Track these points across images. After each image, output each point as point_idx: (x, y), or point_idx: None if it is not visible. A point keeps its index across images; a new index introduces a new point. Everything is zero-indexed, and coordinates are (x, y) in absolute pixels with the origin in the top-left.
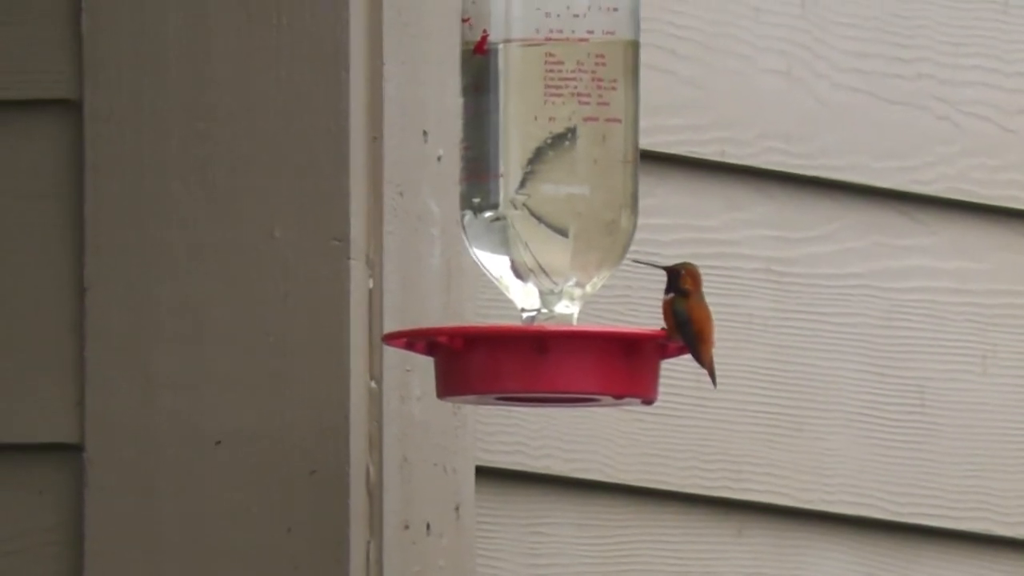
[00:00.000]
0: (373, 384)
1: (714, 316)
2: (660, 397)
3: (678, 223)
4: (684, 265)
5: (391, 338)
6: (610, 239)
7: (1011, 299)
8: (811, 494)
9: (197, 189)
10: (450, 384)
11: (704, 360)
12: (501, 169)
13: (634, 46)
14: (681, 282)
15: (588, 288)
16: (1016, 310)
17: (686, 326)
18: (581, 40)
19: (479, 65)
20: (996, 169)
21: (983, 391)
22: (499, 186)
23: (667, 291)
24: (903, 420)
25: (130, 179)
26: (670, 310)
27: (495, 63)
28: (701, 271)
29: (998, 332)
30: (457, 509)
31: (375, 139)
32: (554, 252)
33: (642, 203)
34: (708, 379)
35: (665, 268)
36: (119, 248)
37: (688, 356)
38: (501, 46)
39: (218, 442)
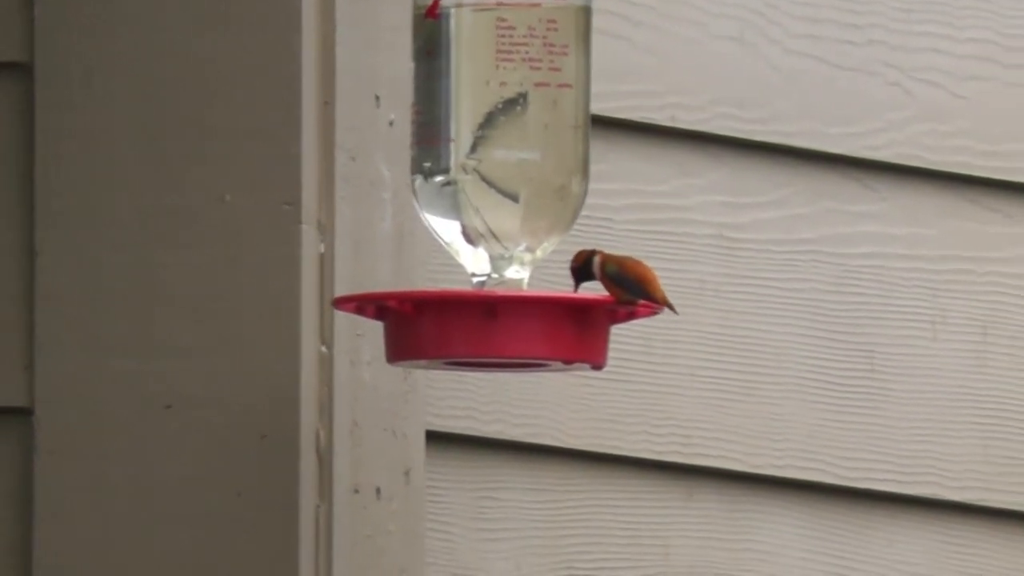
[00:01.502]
0: (324, 349)
1: (664, 281)
2: (610, 362)
3: (629, 188)
4: (583, 251)
5: (341, 302)
6: (561, 204)
7: (961, 265)
8: (761, 459)
9: (148, 154)
10: (400, 349)
11: (658, 298)
12: (452, 134)
13: (586, 11)
14: (591, 267)
15: (538, 253)
16: (966, 276)
17: (626, 280)
18: (533, 5)
19: (431, 29)
20: (946, 135)
21: (933, 356)
22: (450, 151)
23: (583, 279)
24: (853, 385)
25: (81, 143)
26: (605, 276)
27: (447, 27)
28: (653, 235)
29: (948, 298)
30: (407, 474)
31: (327, 104)
32: (505, 217)
33: (593, 168)
34: (657, 344)
35: (577, 270)
36: (69, 212)
37: (637, 322)
38: (453, 10)
39: (168, 406)
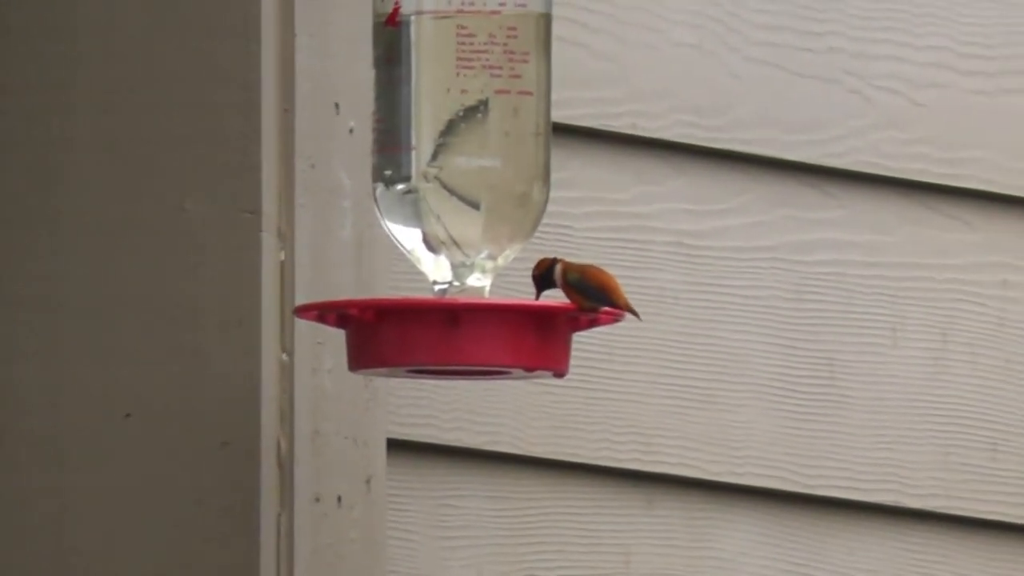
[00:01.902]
0: (284, 356)
1: (626, 289)
2: (571, 370)
3: (590, 196)
4: (544, 260)
5: (303, 310)
6: (522, 212)
7: (920, 272)
8: (721, 466)
9: (106, 162)
10: (362, 357)
11: (620, 304)
12: (413, 141)
13: (546, 18)
14: (552, 274)
15: (500, 261)
16: (925, 283)
17: (588, 288)
18: (493, 12)
19: (391, 37)
20: (906, 142)
21: (892, 364)
22: (411, 159)
23: (544, 286)
24: (813, 392)
25: (39, 151)
26: (567, 284)
27: (407, 35)
28: (613, 243)
29: (907, 305)
30: (368, 482)
31: (286, 111)
32: (466, 225)
33: (554, 176)
34: (618, 352)
35: (538, 278)
36: (28, 220)
37: (598, 329)
38: (413, 18)
39: (128, 415)
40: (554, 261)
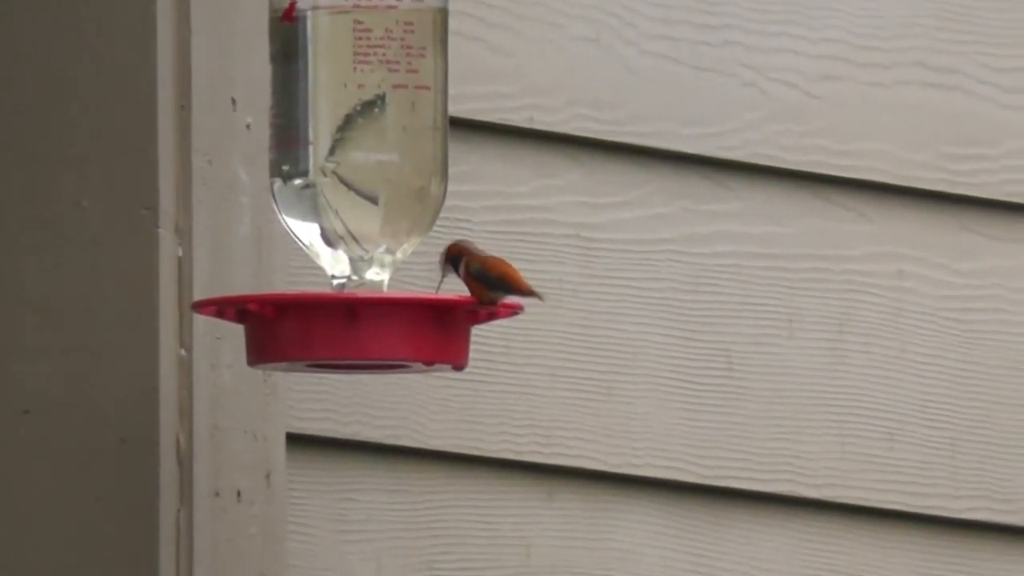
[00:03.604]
0: (183, 352)
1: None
2: (470, 363)
3: (488, 190)
4: (455, 246)
5: (201, 306)
6: (420, 206)
7: (816, 263)
8: (620, 458)
9: (3, 159)
10: (261, 351)
11: (523, 289)
12: (310, 136)
13: (443, 13)
14: (459, 262)
15: (398, 255)
16: (821, 274)
17: (489, 278)
18: (390, 7)
19: (287, 32)
20: (802, 135)
21: (789, 355)
22: (308, 153)
23: (451, 267)
24: (710, 384)
25: None
26: (468, 274)
27: (303, 30)
28: (512, 236)
29: (804, 296)
30: (268, 476)
31: (183, 108)
32: (364, 219)
33: (452, 170)
34: (517, 345)
35: (446, 260)
36: None
37: (497, 323)
38: (309, 13)
39: (26, 411)
40: (463, 251)
